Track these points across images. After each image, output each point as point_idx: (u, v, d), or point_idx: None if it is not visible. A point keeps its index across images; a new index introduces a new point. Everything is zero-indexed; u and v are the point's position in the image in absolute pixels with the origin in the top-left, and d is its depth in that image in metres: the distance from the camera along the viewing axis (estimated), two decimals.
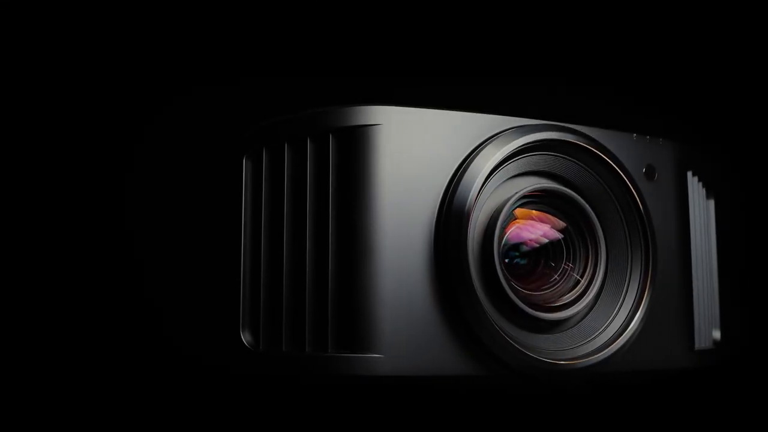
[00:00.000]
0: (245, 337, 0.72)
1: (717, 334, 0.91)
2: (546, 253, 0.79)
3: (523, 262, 0.79)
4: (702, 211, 0.89)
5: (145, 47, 0.85)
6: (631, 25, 0.99)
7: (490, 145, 0.74)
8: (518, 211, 0.79)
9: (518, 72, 1.01)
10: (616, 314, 0.78)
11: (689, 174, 0.86)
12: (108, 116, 0.83)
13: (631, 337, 0.77)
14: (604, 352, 0.75)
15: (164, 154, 0.83)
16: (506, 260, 0.78)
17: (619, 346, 0.76)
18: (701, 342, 0.85)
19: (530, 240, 0.79)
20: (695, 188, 0.87)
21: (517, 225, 0.79)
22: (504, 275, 0.73)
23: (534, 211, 0.79)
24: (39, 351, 0.75)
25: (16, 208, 0.79)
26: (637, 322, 0.77)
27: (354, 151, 0.71)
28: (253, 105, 0.83)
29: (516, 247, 0.79)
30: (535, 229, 0.79)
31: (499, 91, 0.99)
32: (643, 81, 1.00)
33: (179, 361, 0.74)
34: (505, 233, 0.78)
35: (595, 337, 0.77)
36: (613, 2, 0.99)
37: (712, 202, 0.92)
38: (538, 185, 0.77)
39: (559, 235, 0.79)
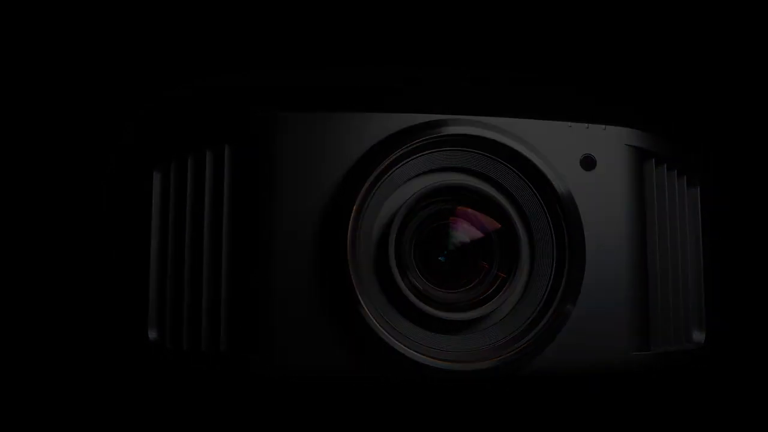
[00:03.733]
0: (151, 335, 0.76)
1: (699, 336, 0.83)
2: (468, 251, 0.77)
3: (443, 259, 0.77)
4: (679, 200, 0.82)
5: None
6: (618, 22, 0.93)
7: (385, 143, 0.74)
8: (458, 209, 0.78)
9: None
10: (535, 314, 0.74)
11: (650, 162, 0.80)
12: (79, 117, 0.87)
13: (542, 338, 0.73)
14: (505, 354, 0.72)
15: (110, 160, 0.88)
16: (440, 258, 0.77)
17: (524, 348, 0.72)
18: (662, 343, 0.78)
19: (454, 239, 0.77)
20: (660, 177, 0.81)
21: (449, 222, 0.78)
22: (400, 274, 0.72)
23: (470, 209, 0.78)
24: None
25: None
26: (553, 322, 0.73)
27: (247, 158, 0.74)
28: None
29: (440, 245, 0.77)
30: (461, 227, 0.77)
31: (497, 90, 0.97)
32: (641, 80, 0.94)
33: (90, 358, 0.79)
34: (449, 230, 0.77)
35: (505, 338, 0.73)
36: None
37: (695, 192, 0.85)
38: (445, 182, 0.75)
39: (480, 234, 0.76)
